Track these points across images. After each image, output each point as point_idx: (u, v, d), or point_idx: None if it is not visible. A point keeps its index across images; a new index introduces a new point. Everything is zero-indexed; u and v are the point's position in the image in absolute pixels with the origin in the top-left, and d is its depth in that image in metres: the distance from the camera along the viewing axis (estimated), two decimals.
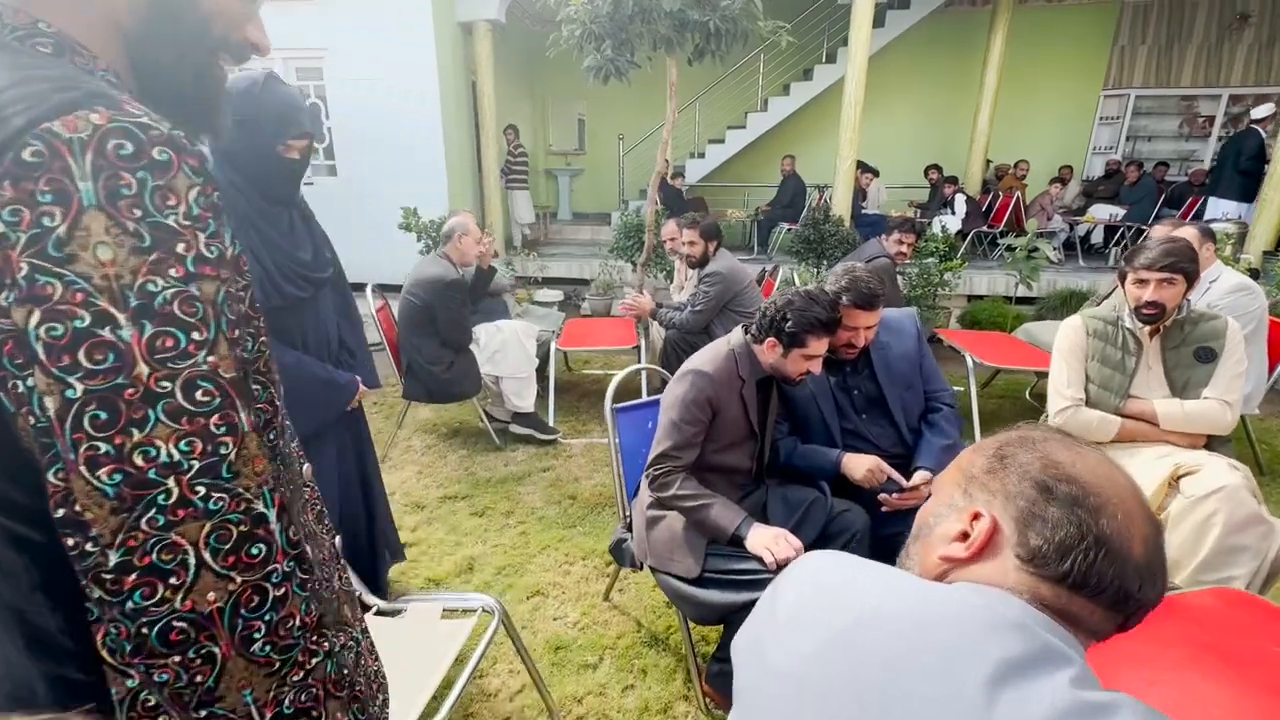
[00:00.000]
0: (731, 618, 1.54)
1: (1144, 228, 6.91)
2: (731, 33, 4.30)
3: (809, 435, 1.85)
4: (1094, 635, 0.58)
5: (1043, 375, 3.72)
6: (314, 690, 0.55)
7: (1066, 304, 5.16)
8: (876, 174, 7.80)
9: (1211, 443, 1.92)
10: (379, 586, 1.86)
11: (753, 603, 1.42)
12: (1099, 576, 0.55)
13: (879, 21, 7.16)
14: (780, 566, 1.51)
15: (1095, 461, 0.60)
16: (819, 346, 1.61)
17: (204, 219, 0.49)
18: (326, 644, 0.57)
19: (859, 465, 1.70)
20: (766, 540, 1.53)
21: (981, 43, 7.54)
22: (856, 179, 7.39)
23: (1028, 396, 4.03)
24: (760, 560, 1.51)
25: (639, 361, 3.72)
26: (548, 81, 9.63)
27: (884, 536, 1.71)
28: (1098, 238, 7.63)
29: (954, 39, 8.69)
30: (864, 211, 7.40)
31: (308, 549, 0.57)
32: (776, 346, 1.64)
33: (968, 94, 8.02)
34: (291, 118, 1.40)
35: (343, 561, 0.75)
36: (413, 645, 1.49)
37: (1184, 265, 1.84)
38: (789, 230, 7.35)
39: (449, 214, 3.57)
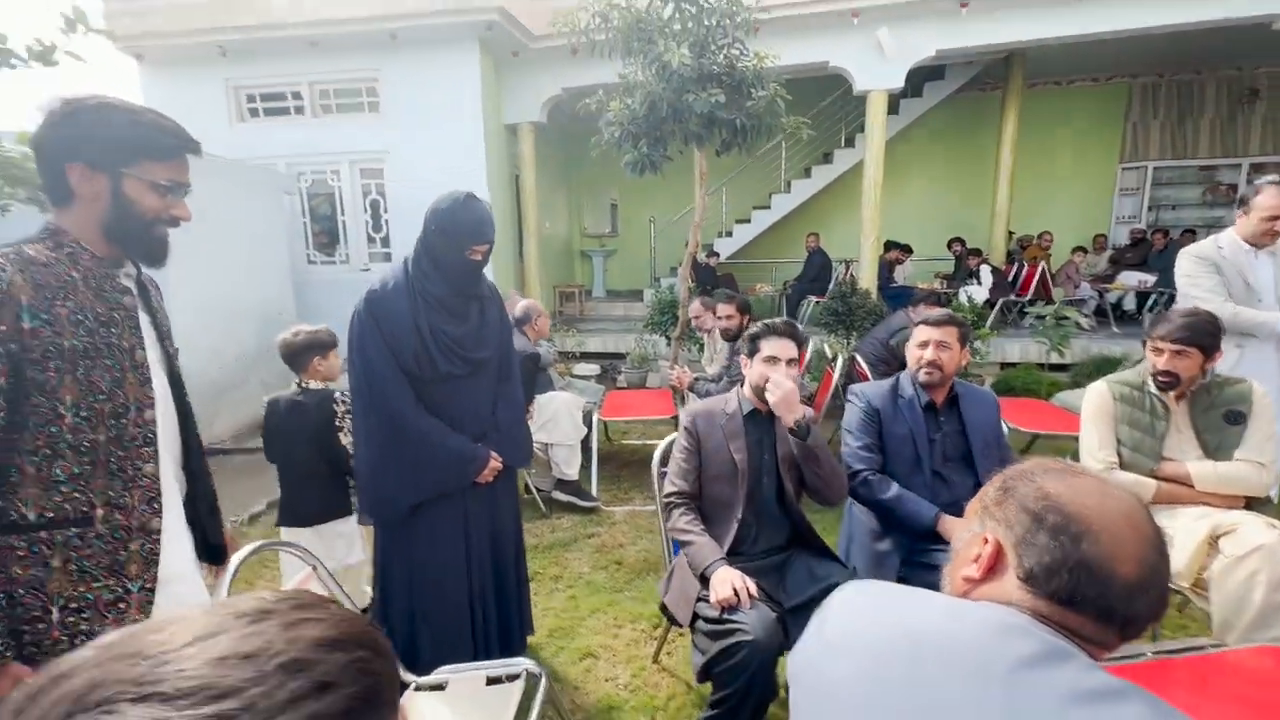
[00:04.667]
0: (715, 675, 1.58)
1: (1175, 293, 6.92)
2: (757, 128, 4.70)
3: (895, 468, 1.98)
4: (1098, 645, 0.67)
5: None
6: None
7: (1101, 370, 5.16)
8: (910, 251, 8.03)
9: (1251, 504, 1.95)
10: (510, 648, 1.93)
11: (723, 652, 1.50)
12: (1083, 595, 0.64)
13: (893, 109, 7.65)
14: (723, 608, 1.59)
15: (1087, 490, 0.69)
16: (773, 347, 1.84)
17: None
18: None
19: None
20: (719, 579, 1.64)
21: (995, 122, 7.94)
22: (888, 257, 7.65)
23: (1068, 462, 4.00)
24: (729, 609, 1.59)
25: (677, 430, 3.87)
26: (582, 171, 10.37)
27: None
28: (1130, 304, 7.64)
29: (968, 120, 9.15)
30: (891, 284, 7.59)
31: None
32: (748, 363, 1.90)
33: (985, 170, 8.36)
34: (480, 230, 1.72)
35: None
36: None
37: (1199, 339, 1.92)
38: (817, 303, 7.58)
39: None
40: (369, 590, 2.37)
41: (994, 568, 0.72)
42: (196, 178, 1.15)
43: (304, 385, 2.30)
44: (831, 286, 7.82)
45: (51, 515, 1.02)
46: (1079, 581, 0.64)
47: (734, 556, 1.80)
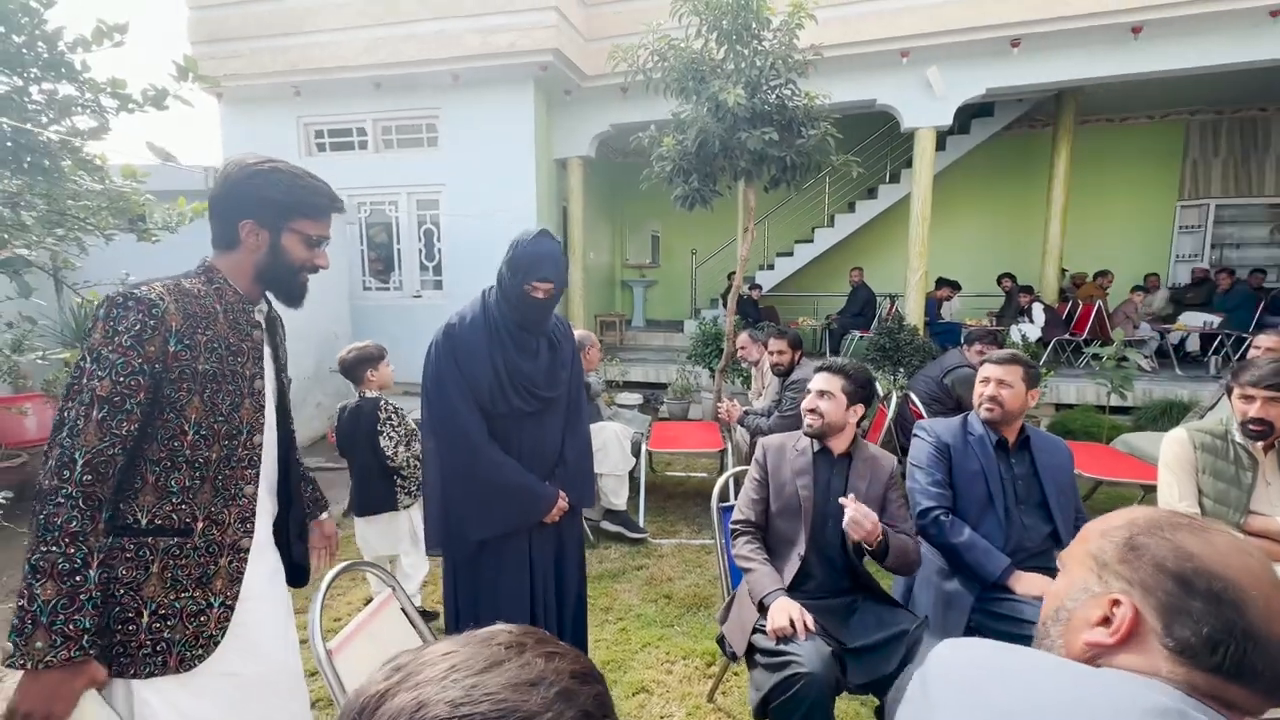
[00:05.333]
0: (772, 711, 1.56)
1: (1245, 336, 6.62)
2: (806, 165, 4.76)
3: (966, 505, 1.95)
4: (1248, 713, 0.61)
5: (1148, 489, 3.56)
6: (46, 561, 0.99)
7: (1166, 414, 4.96)
8: (958, 288, 7.89)
9: None
10: None
11: (779, 685, 1.47)
12: (1252, 668, 0.58)
13: (940, 145, 7.63)
14: (778, 638, 1.59)
15: (1227, 548, 0.63)
16: (815, 381, 1.92)
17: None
18: (73, 549, 1.00)
19: (1037, 584, 1.76)
20: (777, 608, 1.64)
21: (1045, 159, 7.82)
22: (937, 294, 7.54)
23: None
24: (784, 639, 1.59)
25: (721, 463, 3.86)
26: (626, 203, 10.60)
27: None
28: (1194, 346, 7.33)
29: (1018, 157, 9.05)
30: (938, 321, 7.47)
31: (97, 497, 1.03)
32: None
33: (1036, 206, 8.21)
34: (537, 265, 1.67)
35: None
36: None
37: None
38: (861, 338, 7.50)
39: None
40: (415, 590, 2.72)
41: (1131, 634, 0.65)
42: None
43: (362, 394, 2.62)
44: (876, 322, 7.74)
45: (160, 523, 1.11)
46: (1247, 653, 0.59)
47: (796, 593, 1.78)
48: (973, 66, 6.34)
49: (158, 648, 1.10)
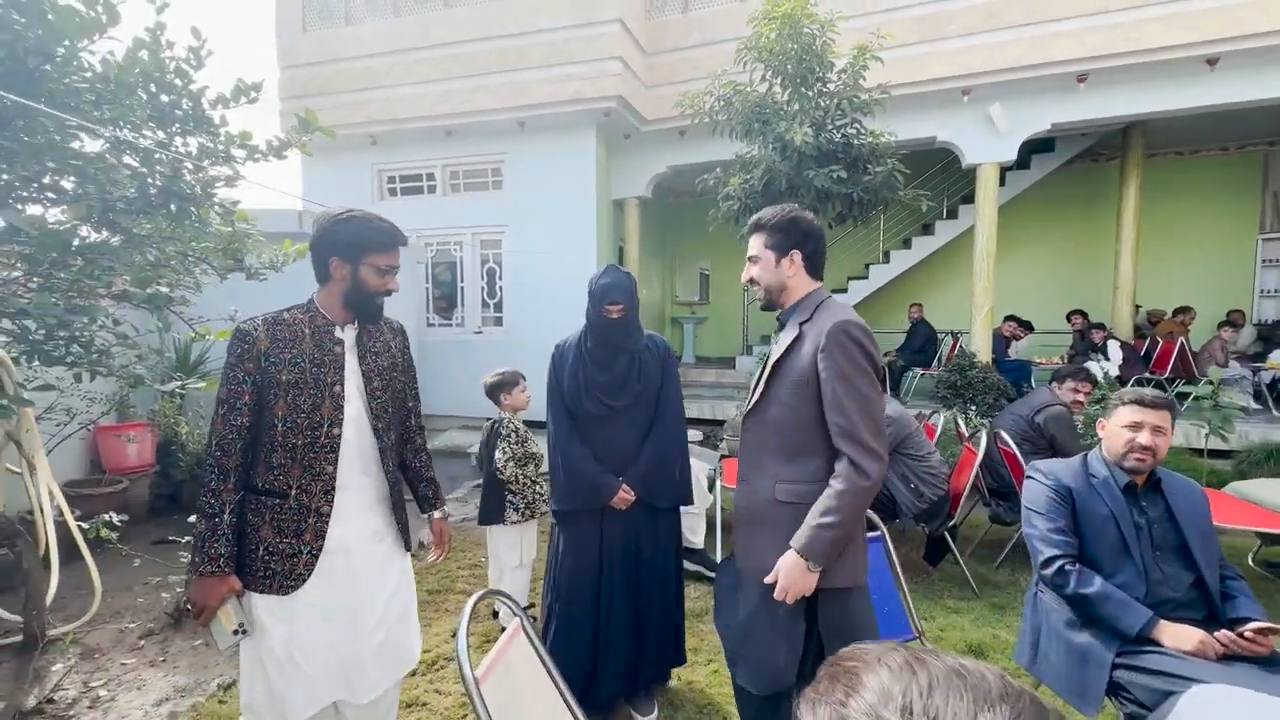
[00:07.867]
0: None
1: None
2: (872, 201, 4.77)
3: (1098, 553, 1.83)
4: None
5: (1268, 537, 3.29)
6: (199, 506, 1.48)
7: (1273, 458, 4.64)
8: (1030, 329, 7.57)
9: None
10: (645, 667, 2.23)
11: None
12: None
13: (999, 180, 7.54)
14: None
15: None
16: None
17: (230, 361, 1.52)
18: (213, 500, 1.46)
19: (1187, 637, 1.63)
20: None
21: (1113, 193, 7.63)
22: (1004, 331, 7.29)
23: (1250, 563, 3.54)
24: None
25: None
26: (677, 241, 10.76)
27: None
28: None
29: (1080, 191, 8.85)
30: (1006, 359, 7.23)
31: (225, 466, 1.47)
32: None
33: (1104, 242, 7.98)
34: (607, 293, 2.11)
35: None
36: None
37: None
38: (923, 375, 7.31)
39: None
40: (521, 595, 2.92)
41: None
42: None
43: (501, 415, 2.91)
44: (937, 360, 7.55)
45: (267, 487, 1.52)
46: None
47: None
48: (1037, 102, 6.31)
49: (267, 573, 1.51)
